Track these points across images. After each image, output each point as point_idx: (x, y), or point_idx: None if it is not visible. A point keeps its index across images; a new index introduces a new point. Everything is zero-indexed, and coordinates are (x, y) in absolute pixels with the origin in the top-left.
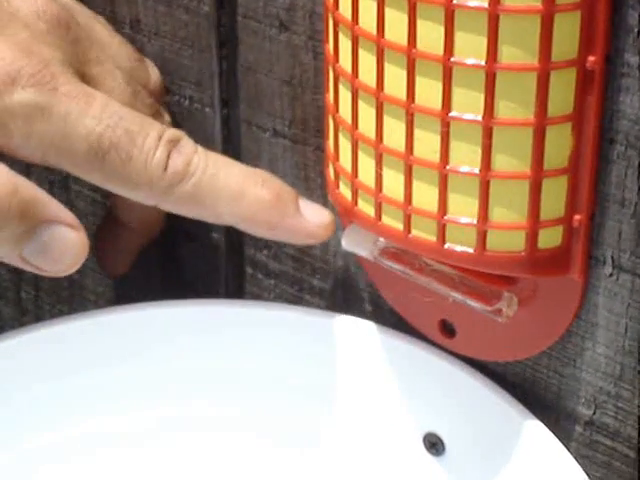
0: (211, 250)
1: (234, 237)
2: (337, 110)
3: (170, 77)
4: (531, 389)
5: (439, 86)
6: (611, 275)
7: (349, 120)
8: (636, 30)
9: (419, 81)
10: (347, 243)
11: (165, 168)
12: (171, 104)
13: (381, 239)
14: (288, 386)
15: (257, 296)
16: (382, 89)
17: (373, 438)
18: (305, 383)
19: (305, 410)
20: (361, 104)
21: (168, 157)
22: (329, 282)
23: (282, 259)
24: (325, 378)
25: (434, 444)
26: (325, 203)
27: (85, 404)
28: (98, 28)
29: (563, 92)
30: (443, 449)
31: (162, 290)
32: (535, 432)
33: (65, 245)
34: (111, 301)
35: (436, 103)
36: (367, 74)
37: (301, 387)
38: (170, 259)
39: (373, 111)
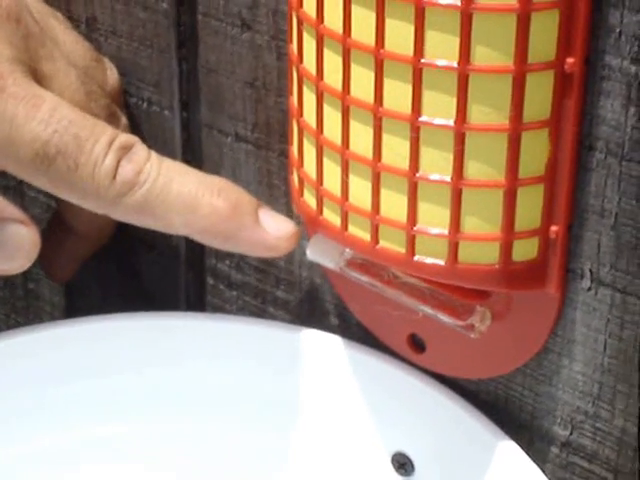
0: (170, 259)
1: (195, 246)
2: (301, 114)
3: (128, 78)
4: (504, 408)
5: (409, 89)
6: (589, 289)
7: (314, 124)
8: (618, 31)
9: (388, 83)
10: (312, 253)
11: (114, 177)
12: (129, 106)
13: (347, 250)
14: (251, 403)
15: (219, 308)
16: (348, 92)
17: (340, 457)
18: (268, 400)
19: (269, 428)
20: (326, 107)
21: (117, 165)
22: (294, 294)
23: (245, 270)
24: (289, 395)
25: (403, 464)
26: (289, 211)
27: (36, 420)
28: (53, 24)
29: (540, 96)
30: (412, 469)
31: (120, 301)
32: (509, 453)
33: (18, 242)
34: (67, 311)
35: (405, 107)
36: (333, 76)
37: (264, 404)
38: (127, 268)
39: (339, 115)
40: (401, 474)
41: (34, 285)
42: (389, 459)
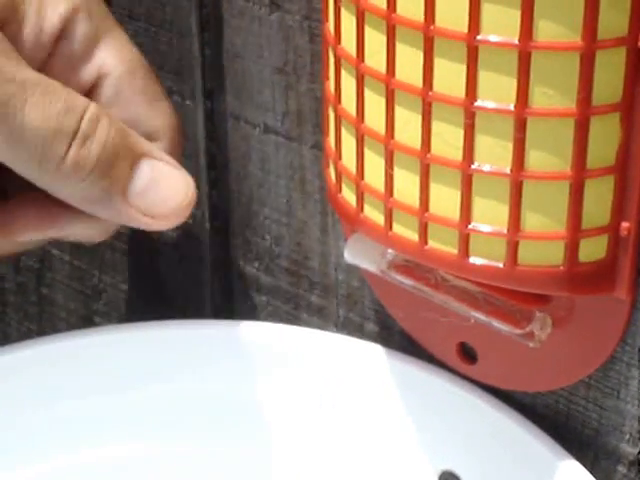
0: (194, 262)
1: (220, 247)
2: (339, 100)
3: None
4: (566, 423)
5: (462, 69)
6: None
7: (354, 112)
8: None
9: (438, 63)
10: (350, 255)
11: None
12: None
13: (390, 250)
14: (289, 416)
15: (248, 315)
16: (393, 74)
17: (385, 476)
18: (307, 414)
19: (306, 444)
20: (368, 92)
21: None
22: (329, 299)
23: (275, 272)
24: (329, 409)
25: None
26: (324, 209)
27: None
28: None
29: (611, 76)
30: None
31: (140, 307)
32: (571, 473)
33: (171, 181)
34: (84, 318)
35: (459, 90)
36: (375, 57)
37: (303, 418)
38: (148, 272)
39: (383, 100)
40: None
41: (47, 290)
42: (437, 479)
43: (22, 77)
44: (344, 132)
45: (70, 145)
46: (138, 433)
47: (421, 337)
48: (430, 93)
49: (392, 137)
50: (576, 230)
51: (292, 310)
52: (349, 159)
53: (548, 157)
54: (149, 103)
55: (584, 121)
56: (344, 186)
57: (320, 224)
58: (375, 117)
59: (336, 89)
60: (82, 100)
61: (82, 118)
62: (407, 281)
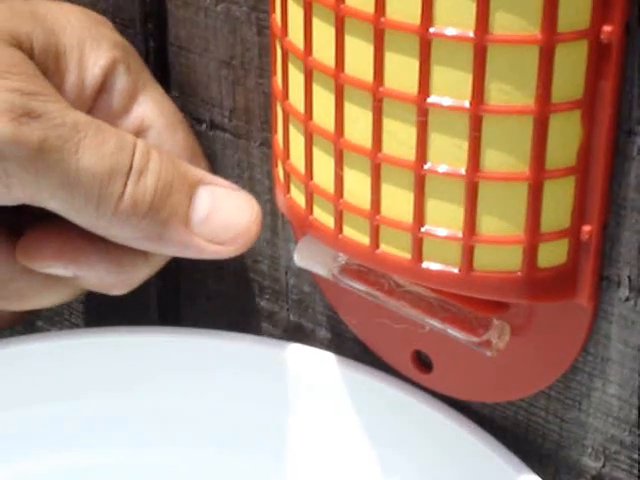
0: None
1: None
2: (287, 96)
3: None
4: (525, 436)
5: (415, 63)
6: (627, 299)
7: (301, 108)
8: None
9: (389, 57)
10: (300, 259)
11: None
12: None
13: (342, 254)
14: (233, 428)
15: (195, 320)
16: (342, 69)
17: None
18: (254, 424)
19: (253, 454)
20: (316, 88)
21: None
22: (279, 304)
23: (223, 276)
24: (277, 419)
25: None
26: (273, 211)
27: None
28: None
29: (571, 71)
30: None
31: (84, 311)
32: None
33: (233, 203)
34: (26, 323)
35: (411, 86)
36: (324, 50)
37: (250, 429)
38: None
39: (332, 96)
40: None
41: None
42: None
43: (73, 120)
44: (292, 130)
45: (126, 183)
46: (78, 444)
47: (374, 345)
48: (381, 89)
49: (342, 135)
50: (535, 234)
51: (241, 315)
52: (298, 158)
53: (505, 157)
54: (190, 158)
55: (543, 119)
56: (292, 187)
57: (270, 225)
58: (324, 114)
59: (283, 84)
60: (130, 136)
61: (134, 154)
62: (359, 286)
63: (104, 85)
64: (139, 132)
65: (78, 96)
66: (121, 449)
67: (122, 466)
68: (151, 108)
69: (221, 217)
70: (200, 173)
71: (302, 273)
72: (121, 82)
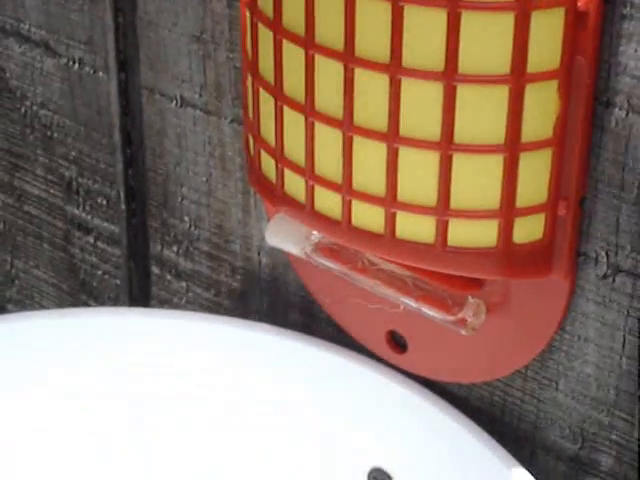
0: (110, 245)
1: (137, 230)
2: (257, 69)
3: (55, 35)
4: (501, 417)
5: (387, 26)
6: (605, 276)
7: (272, 81)
8: None
9: (361, 21)
10: (272, 237)
11: None
12: (57, 68)
13: (315, 232)
14: (211, 411)
15: (165, 301)
16: (313, 37)
17: (310, 475)
18: (225, 405)
19: (225, 437)
20: (287, 59)
21: None
22: (252, 285)
23: (195, 256)
24: (247, 400)
25: None
26: (245, 188)
27: None
28: None
29: (548, 40)
30: None
31: (54, 293)
32: (506, 469)
33: None
34: None
35: (383, 53)
36: (294, 19)
37: (222, 411)
38: (62, 256)
39: (302, 66)
40: None
41: None
42: (365, 476)
43: None
44: (262, 102)
45: None
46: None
47: (348, 325)
48: (354, 56)
49: (313, 107)
50: (510, 208)
51: (213, 297)
52: (268, 132)
53: (480, 128)
54: None
55: (518, 89)
56: (263, 162)
57: (242, 204)
58: (295, 85)
59: (253, 55)
60: None
61: None
62: (333, 265)
63: None
64: None
65: None
66: None
67: None
68: None
69: None
70: None
71: (275, 253)
72: None
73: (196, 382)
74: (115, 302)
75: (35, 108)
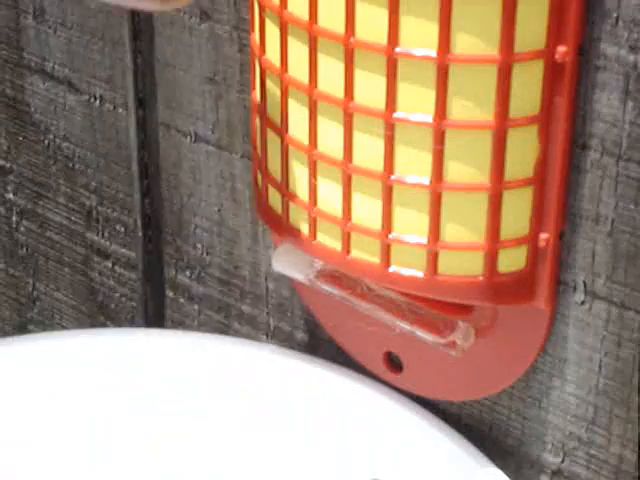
0: (126, 270)
1: (153, 255)
2: (265, 110)
3: (78, 73)
4: (489, 433)
5: (382, 81)
6: (583, 303)
7: (278, 122)
8: (615, 16)
9: (359, 75)
10: (278, 264)
11: None
12: (79, 104)
13: (317, 260)
14: (217, 431)
15: (179, 323)
16: (316, 85)
17: None
18: (233, 424)
19: (231, 453)
20: (292, 103)
21: None
22: (260, 308)
23: (207, 281)
24: (252, 417)
25: None
26: (254, 219)
27: None
28: None
29: (528, 89)
30: None
31: (73, 314)
32: None
33: None
34: (18, 327)
35: (379, 101)
36: (299, 67)
37: (228, 429)
38: (81, 279)
39: (306, 111)
40: None
41: None
42: None
43: None
44: (270, 142)
45: None
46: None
47: (348, 346)
48: (351, 104)
49: (315, 147)
50: (495, 241)
51: (223, 319)
52: (275, 169)
53: (466, 169)
54: None
55: (502, 133)
56: (271, 195)
57: (251, 233)
58: (299, 127)
59: (262, 98)
60: None
61: None
62: (334, 290)
63: None
64: None
65: None
66: None
67: None
68: None
69: None
70: None
71: (281, 278)
72: None
73: (206, 398)
74: (131, 323)
75: (58, 141)
